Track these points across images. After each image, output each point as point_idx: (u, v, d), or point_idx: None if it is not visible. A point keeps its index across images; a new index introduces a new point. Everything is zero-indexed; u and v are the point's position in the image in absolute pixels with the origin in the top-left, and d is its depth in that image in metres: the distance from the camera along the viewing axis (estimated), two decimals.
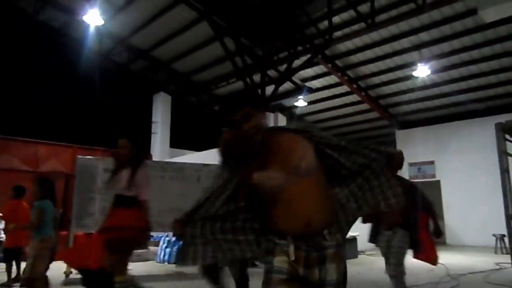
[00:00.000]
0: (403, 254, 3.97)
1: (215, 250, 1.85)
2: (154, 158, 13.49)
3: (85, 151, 10.91)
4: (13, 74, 10.48)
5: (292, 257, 1.64)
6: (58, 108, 11.60)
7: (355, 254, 9.32)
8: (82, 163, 7.43)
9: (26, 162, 10.96)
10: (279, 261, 1.66)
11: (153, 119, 14.61)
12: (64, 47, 11.85)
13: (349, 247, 9.01)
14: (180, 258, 1.85)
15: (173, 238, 8.40)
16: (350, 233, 7.54)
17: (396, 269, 3.94)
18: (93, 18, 10.42)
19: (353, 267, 7.34)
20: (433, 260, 4.14)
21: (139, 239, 3.72)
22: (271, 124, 9.86)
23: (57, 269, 6.26)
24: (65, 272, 6.92)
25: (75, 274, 7.15)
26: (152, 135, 14.47)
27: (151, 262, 9.15)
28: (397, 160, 1.85)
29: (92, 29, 11.20)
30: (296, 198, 1.66)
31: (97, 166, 7.29)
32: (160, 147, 14.27)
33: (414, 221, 3.98)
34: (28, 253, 4.46)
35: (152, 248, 9.89)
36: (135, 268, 8.34)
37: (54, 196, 4.74)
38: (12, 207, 6.30)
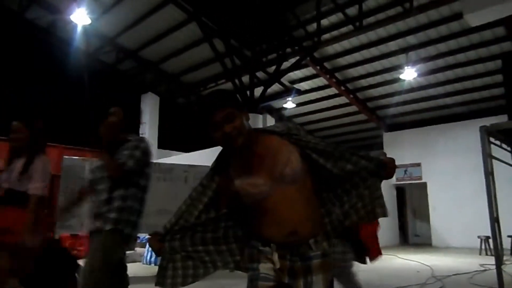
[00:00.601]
0: (349, 274, 3.47)
1: (196, 266, 1.74)
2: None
3: (72, 152, 10.79)
4: None
5: (278, 265, 1.58)
6: (44, 107, 11.44)
7: None
8: (68, 163, 7.34)
9: None
10: (266, 268, 1.59)
11: (141, 119, 14.50)
12: (51, 47, 11.70)
13: None
14: (158, 278, 1.72)
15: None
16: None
17: None
18: (80, 18, 10.32)
19: None
20: (376, 258, 3.60)
21: (31, 246, 2.95)
22: (260, 125, 9.88)
23: None
24: None
25: None
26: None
27: (137, 263, 9.06)
28: (389, 168, 1.73)
29: (79, 28, 11.09)
30: (280, 205, 1.58)
31: (84, 167, 7.21)
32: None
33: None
34: None
35: (138, 249, 9.81)
36: None
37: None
38: None
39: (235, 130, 1.58)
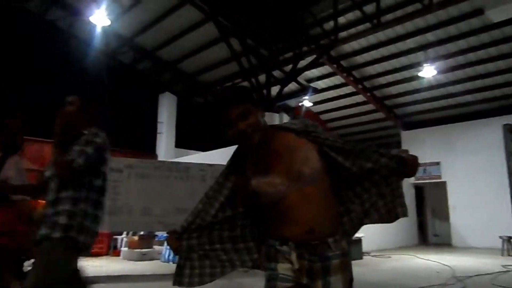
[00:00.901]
0: None
1: (213, 265, 1.72)
2: (160, 158, 13.54)
3: None
4: (19, 74, 10.55)
5: (296, 265, 1.54)
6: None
7: (360, 255, 9.29)
8: None
9: (31, 160, 11.02)
10: (284, 269, 1.55)
11: (159, 119, 14.64)
12: (71, 47, 11.90)
13: (354, 248, 8.98)
14: (175, 277, 1.70)
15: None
16: (355, 234, 7.51)
17: None
18: (99, 19, 10.51)
19: (358, 268, 7.32)
20: None
21: (14, 248, 2.84)
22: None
23: None
24: None
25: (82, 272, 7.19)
26: (158, 135, 14.51)
27: (156, 261, 9.18)
28: (411, 166, 1.64)
29: (98, 29, 11.28)
30: (298, 205, 1.55)
31: None
32: (165, 147, 14.30)
33: None
34: None
35: (157, 247, 9.94)
36: (139, 267, 8.39)
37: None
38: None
39: (250, 127, 1.54)
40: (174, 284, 1.70)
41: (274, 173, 1.58)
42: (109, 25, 11.07)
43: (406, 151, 1.65)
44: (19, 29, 10.76)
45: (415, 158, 1.65)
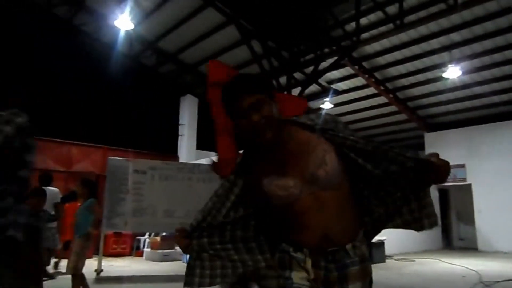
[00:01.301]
0: None
1: (224, 265, 1.60)
2: (181, 160, 13.70)
3: (115, 152, 11.22)
4: (47, 78, 10.86)
5: (312, 275, 1.43)
6: (89, 109, 11.95)
7: (382, 258, 9.18)
8: (113, 164, 7.62)
9: (59, 162, 11.35)
10: (299, 278, 1.44)
11: (180, 121, 14.82)
12: (95, 51, 12.19)
13: (376, 252, 8.88)
14: (186, 277, 1.61)
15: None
16: (378, 237, 7.44)
17: None
18: (123, 23, 10.75)
19: (380, 272, 7.23)
20: None
21: None
22: None
23: (87, 267, 6.44)
24: (96, 270, 7.12)
25: (106, 272, 7.36)
26: (179, 137, 14.69)
27: (178, 262, 9.29)
28: (441, 172, 1.46)
29: (122, 33, 11.55)
30: (311, 210, 1.42)
31: (128, 167, 7.48)
32: (187, 149, 14.46)
33: None
34: (73, 250, 4.68)
35: (179, 248, 10.04)
36: (162, 268, 8.51)
37: (97, 196, 5.01)
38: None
39: (263, 120, 1.39)
40: (185, 285, 1.61)
41: (286, 175, 1.45)
42: (133, 29, 11.31)
43: (436, 154, 1.48)
44: (45, 33, 11.08)
45: (446, 163, 1.47)
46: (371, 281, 1.54)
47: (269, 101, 1.43)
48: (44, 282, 6.45)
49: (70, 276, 4.65)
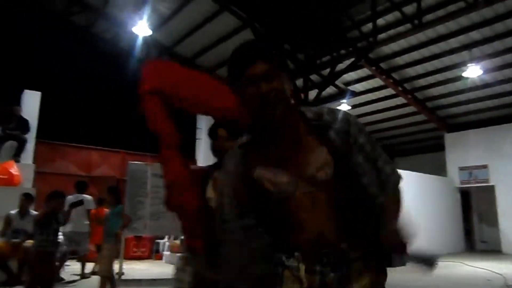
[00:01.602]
0: None
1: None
2: (199, 164, 13.80)
3: (134, 157, 11.37)
4: (68, 85, 11.11)
5: (305, 284, 1.26)
6: (108, 115, 12.15)
7: (403, 262, 9.04)
8: (133, 168, 7.71)
9: (80, 167, 11.57)
10: None
11: (198, 125, 14.93)
12: (114, 57, 12.41)
13: (396, 255, 8.73)
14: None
15: None
16: None
17: None
18: (141, 29, 10.93)
19: (401, 275, 7.10)
20: None
21: None
22: None
23: None
24: (117, 273, 7.21)
25: (127, 275, 7.45)
26: (197, 141, 14.80)
27: None
28: (387, 245, 1.41)
29: (140, 39, 11.73)
30: (305, 209, 1.28)
31: (147, 171, 7.55)
32: (204, 153, 14.57)
33: None
34: (105, 254, 4.82)
35: None
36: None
37: (121, 202, 5.20)
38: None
39: (274, 92, 1.24)
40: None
41: (283, 171, 1.30)
42: (150, 35, 11.48)
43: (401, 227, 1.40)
44: (65, 41, 11.34)
45: (392, 239, 1.39)
46: (384, 276, 1.41)
47: (282, 75, 1.28)
48: (74, 283, 6.66)
49: (92, 277, 4.77)
